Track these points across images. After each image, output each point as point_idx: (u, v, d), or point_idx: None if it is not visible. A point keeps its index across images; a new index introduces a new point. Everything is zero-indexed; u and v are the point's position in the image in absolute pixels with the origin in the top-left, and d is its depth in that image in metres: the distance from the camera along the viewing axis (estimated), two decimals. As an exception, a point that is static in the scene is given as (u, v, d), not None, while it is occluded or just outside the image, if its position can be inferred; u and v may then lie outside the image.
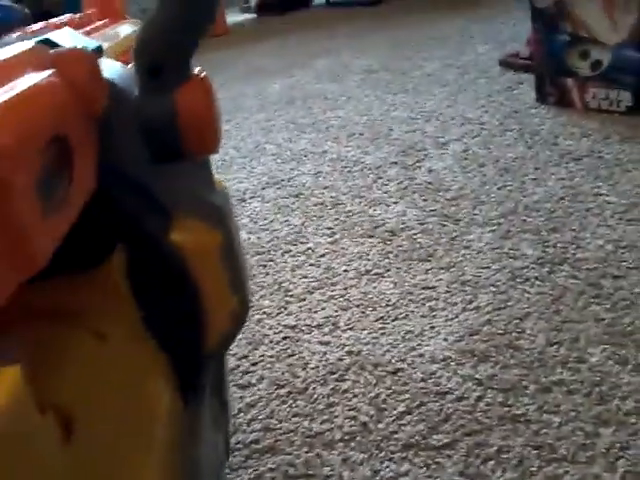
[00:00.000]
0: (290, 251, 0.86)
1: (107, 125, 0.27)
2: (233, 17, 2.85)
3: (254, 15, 2.86)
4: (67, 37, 0.29)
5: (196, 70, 0.30)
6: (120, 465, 0.25)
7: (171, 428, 0.29)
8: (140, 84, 0.28)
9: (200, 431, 0.33)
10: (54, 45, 0.27)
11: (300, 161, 1.14)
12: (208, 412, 0.35)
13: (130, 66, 0.29)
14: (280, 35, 2.31)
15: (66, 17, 0.40)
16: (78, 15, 0.42)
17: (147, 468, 0.26)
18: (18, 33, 0.32)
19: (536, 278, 0.69)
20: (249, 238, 0.91)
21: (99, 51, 0.31)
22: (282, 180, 1.08)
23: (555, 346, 0.59)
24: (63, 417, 0.22)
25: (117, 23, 0.42)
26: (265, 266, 0.83)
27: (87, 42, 0.31)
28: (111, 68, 0.29)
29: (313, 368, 0.64)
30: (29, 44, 0.24)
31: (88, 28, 0.38)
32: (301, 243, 0.87)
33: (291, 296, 0.76)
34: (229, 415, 0.44)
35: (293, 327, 0.70)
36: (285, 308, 0.74)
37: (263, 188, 1.07)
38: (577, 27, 1.05)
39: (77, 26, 0.38)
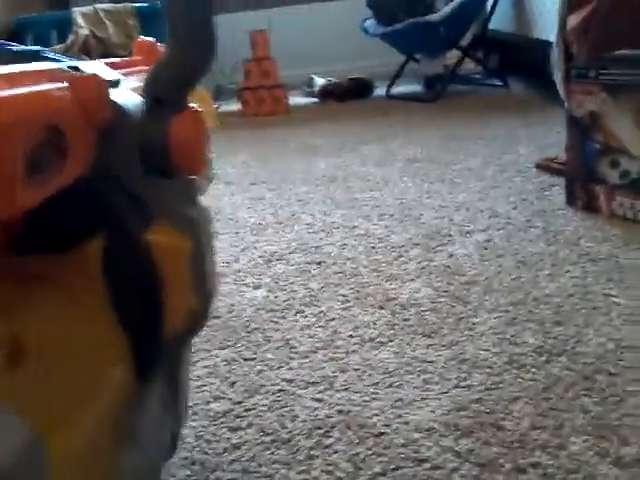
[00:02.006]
0: (303, 312, 0.89)
1: (111, 137, 0.34)
2: (296, 100, 3.03)
3: (316, 100, 3.03)
4: (93, 67, 0.37)
5: (191, 104, 0.36)
6: (61, 406, 0.29)
7: (115, 392, 0.33)
8: (143, 110, 0.35)
9: (145, 405, 0.37)
10: (79, 70, 0.34)
11: (329, 232, 1.20)
12: (156, 396, 0.39)
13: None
14: (336, 120, 2.44)
15: (119, 59, 0.49)
16: (124, 59, 0.50)
17: (85, 415, 0.30)
18: (52, 60, 0.40)
19: (532, 365, 0.70)
20: (267, 296, 0.96)
21: (116, 82, 0.38)
22: (309, 247, 1.13)
23: (538, 430, 0.60)
24: (15, 345, 0.27)
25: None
26: (276, 322, 0.87)
27: (109, 74, 0.38)
28: (125, 96, 0.36)
29: (301, 421, 0.66)
30: (56, 64, 0.32)
31: (133, 69, 0.46)
32: (314, 306, 0.91)
33: (295, 353, 0.79)
34: (180, 412, 0.48)
35: (290, 381, 0.73)
36: (287, 363, 0.77)
37: (290, 252, 1.12)
38: (608, 138, 1.09)
39: (125, 66, 0.47)
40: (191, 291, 0.38)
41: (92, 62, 0.40)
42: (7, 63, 0.31)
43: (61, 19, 2.79)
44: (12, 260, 0.34)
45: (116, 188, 0.35)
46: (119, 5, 2.81)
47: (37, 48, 0.41)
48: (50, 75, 0.30)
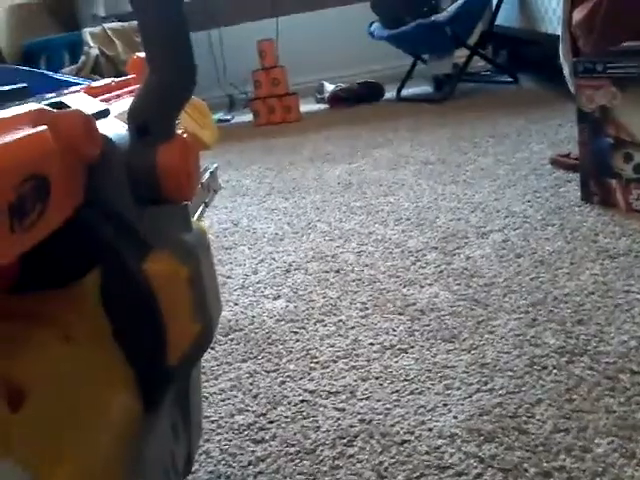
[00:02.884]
0: (323, 321, 0.90)
1: (100, 171, 0.34)
2: (307, 107, 3.04)
3: (327, 106, 3.04)
4: (78, 100, 0.37)
5: (179, 132, 0.37)
6: (64, 443, 0.29)
7: (122, 425, 0.34)
8: (130, 140, 0.36)
9: (151, 435, 0.37)
10: (64, 106, 0.35)
11: (347, 240, 1.20)
12: (166, 421, 0.40)
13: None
14: (348, 125, 2.45)
15: (108, 80, 0.50)
16: (119, 79, 0.51)
17: (90, 451, 0.31)
18: (39, 96, 0.40)
19: (554, 367, 0.70)
20: (287, 306, 0.96)
21: (104, 113, 0.38)
22: (327, 256, 1.14)
23: (562, 433, 0.60)
24: (14, 389, 0.28)
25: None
26: (296, 333, 0.88)
27: (95, 105, 0.38)
28: (112, 127, 0.36)
29: (324, 432, 0.66)
30: (33, 105, 0.32)
31: (127, 89, 0.47)
32: (334, 315, 0.91)
33: (316, 363, 0.79)
34: (194, 432, 0.48)
35: (312, 392, 0.73)
36: (308, 373, 0.77)
37: (308, 262, 1.13)
38: (620, 131, 1.08)
39: (115, 89, 0.47)
40: (193, 316, 0.39)
41: (79, 95, 0.40)
42: None
43: (72, 40, 2.84)
44: (8, 301, 0.35)
45: (109, 220, 0.35)
46: (126, 24, 2.85)
47: (23, 85, 0.42)
48: (31, 118, 0.30)
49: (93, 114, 0.35)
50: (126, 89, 0.48)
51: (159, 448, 0.39)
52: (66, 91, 0.42)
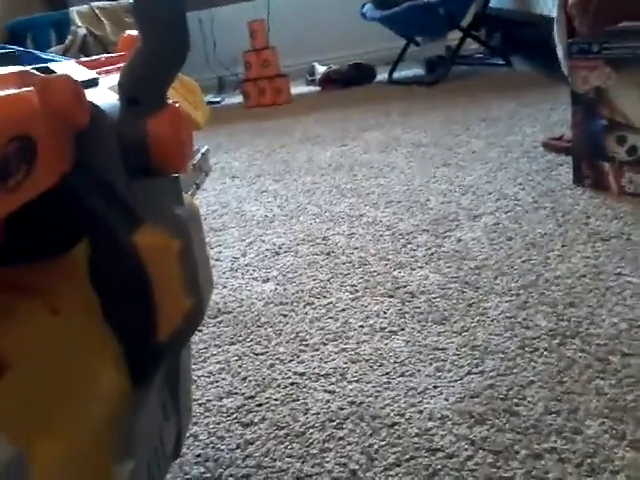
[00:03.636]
0: (312, 303, 0.89)
1: (90, 139, 0.33)
2: (298, 89, 3.01)
3: (318, 88, 3.01)
4: (65, 67, 0.36)
5: (170, 101, 0.36)
6: (46, 418, 0.28)
7: (109, 401, 0.33)
8: (121, 111, 0.34)
9: (140, 413, 0.36)
10: (50, 72, 0.33)
11: (337, 222, 1.19)
12: (155, 400, 0.39)
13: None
14: (339, 107, 2.42)
15: (102, 56, 0.48)
16: (109, 55, 0.49)
17: (75, 425, 0.30)
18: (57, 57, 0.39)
19: (545, 349, 0.70)
20: (276, 289, 0.95)
21: (93, 81, 0.37)
22: (317, 238, 1.13)
23: (553, 415, 0.59)
24: None
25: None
26: (286, 316, 0.87)
27: (84, 73, 0.37)
28: (103, 97, 0.35)
29: (314, 414, 0.65)
30: (19, 68, 0.30)
31: (112, 67, 0.45)
32: (324, 297, 0.90)
33: (306, 345, 0.79)
34: (183, 415, 0.47)
35: (302, 374, 0.73)
36: (298, 356, 0.77)
37: (298, 244, 1.11)
38: (614, 113, 1.08)
39: (109, 63, 0.45)
40: (183, 291, 0.38)
41: (67, 62, 0.39)
42: None
43: (59, 19, 2.78)
44: None
45: (98, 191, 0.34)
46: (115, 3, 2.80)
47: (13, 48, 0.40)
48: (16, 79, 0.29)
49: (82, 82, 0.33)
50: (116, 65, 0.46)
51: (148, 426, 0.38)
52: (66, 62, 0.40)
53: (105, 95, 0.35)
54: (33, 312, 0.31)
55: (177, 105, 0.35)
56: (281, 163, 1.72)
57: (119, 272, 0.34)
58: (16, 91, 0.28)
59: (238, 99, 3.01)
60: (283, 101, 2.77)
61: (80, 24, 2.62)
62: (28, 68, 0.31)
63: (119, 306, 0.35)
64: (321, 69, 3.07)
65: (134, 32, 0.57)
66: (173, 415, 0.43)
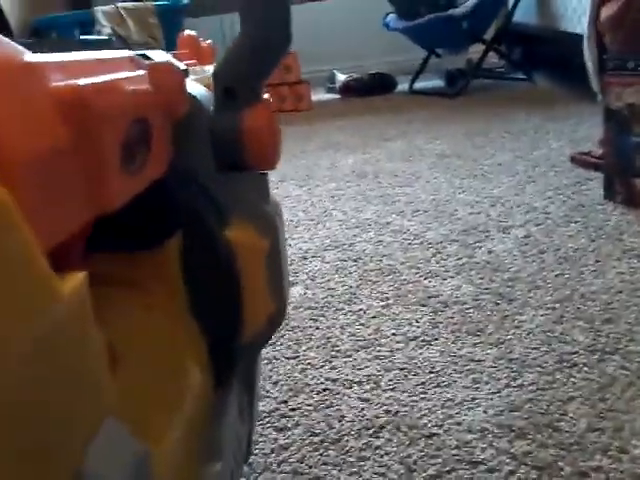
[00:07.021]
0: (343, 309, 0.88)
1: (184, 131, 0.32)
2: (318, 96, 3.01)
3: (338, 96, 3.01)
4: (161, 56, 0.35)
5: (265, 96, 0.35)
6: (154, 416, 0.27)
7: (198, 401, 0.32)
8: (216, 103, 0.33)
9: (225, 415, 0.35)
10: (149, 59, 0.32)
11: (364, 229, 1.18)
12: (235, 402, 0.38)
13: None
14: (360, 115, 2.42)
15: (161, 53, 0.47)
16: (172, 52, 0.48)
17: (174, 425, 0.29)
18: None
19: (584, 364, 0.68)
20: (305, 293, 0.94)
21: (185, 72, 0.36)
22: (344, 244, 1.12)
23: (597, 432, 0.58)
24: (111, 351, 0.25)
25: (206, 65, 0.49)
26: (316, 320, 0.86)
27: (177, 63, 0.36)
28: (195, 87, 0.34)
29: (349, 421, 0.64)
30: (130, 52, 0.30)
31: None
32: (354, 304, 0.89)
33: (337, 351, 0.78)
34: (254, 415, 0.46)
35: (335, 380, 0.72)
36: (330, 362, 0.76)
37: (325, 250, 1.11)
38: (650, 130, 1.07)
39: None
40: (269, 293, 0.37)
41: (157, 52, 0.38)
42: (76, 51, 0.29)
43: (84, 18, 2.80)
44: (91, 259, 0.32)
45: (192, 185, 0.33)
46: (139, 3, 2.81)
47: (106, 37, 0.39)
48: (130, 63, 0.28)
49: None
50: (185, 62, 0.46)
51: (231, 430, 0.37)
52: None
53: (198, 87, 0.34)
54: (132, 305, 0.30)
55: (270, 100, 0.35)
56: (304, 169, 1.71)
57: (211, 267, 0.33)
58: (136, 73, 0.27)
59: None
60: (304, 107, 2.77)
61: (105, 23, 2.63)
62: (134, 54, 0.30)
63: (208, 303, 0.34)
64: (341, 77, 3.07)
65: (191, 32, 0.57)
66: (247, 419, 0.42)
